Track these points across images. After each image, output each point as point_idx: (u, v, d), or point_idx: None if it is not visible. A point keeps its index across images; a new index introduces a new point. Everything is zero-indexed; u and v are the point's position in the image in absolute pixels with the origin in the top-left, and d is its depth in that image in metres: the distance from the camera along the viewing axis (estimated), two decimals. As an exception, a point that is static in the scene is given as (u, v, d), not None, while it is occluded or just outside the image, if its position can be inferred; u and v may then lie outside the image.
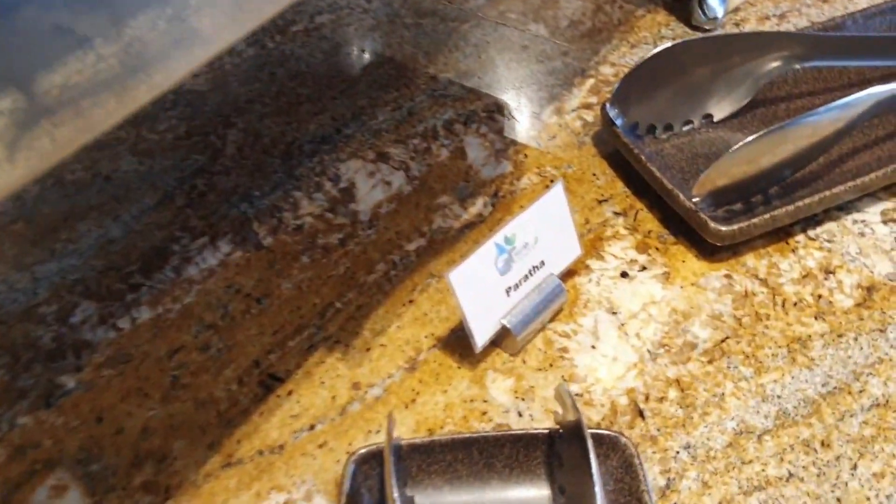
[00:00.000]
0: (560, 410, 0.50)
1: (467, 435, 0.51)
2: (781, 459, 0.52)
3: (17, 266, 0.67)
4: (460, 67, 0.81)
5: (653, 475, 0.51)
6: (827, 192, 0.62)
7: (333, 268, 0.65)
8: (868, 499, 0.50)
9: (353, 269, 0.65)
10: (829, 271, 0.62)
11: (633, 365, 0.57)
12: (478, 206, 0.69)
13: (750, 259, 0.63)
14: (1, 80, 0.27)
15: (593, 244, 0.65)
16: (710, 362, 0.57)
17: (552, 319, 0.61)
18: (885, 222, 0.65)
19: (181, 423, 0.57)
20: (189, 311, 0.63)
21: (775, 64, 0.69)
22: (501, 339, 0.59)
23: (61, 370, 0.60)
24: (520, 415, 0.55)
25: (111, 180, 0.74)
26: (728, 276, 0.62)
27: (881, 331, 0.58)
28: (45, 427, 0.57)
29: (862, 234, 0.64)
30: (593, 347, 0.59)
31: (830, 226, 0.65)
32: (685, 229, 0.65)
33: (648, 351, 0.58)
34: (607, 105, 0.69)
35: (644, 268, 0.64)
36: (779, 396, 0.55)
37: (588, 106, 0.77)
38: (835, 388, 0.55)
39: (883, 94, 0.63)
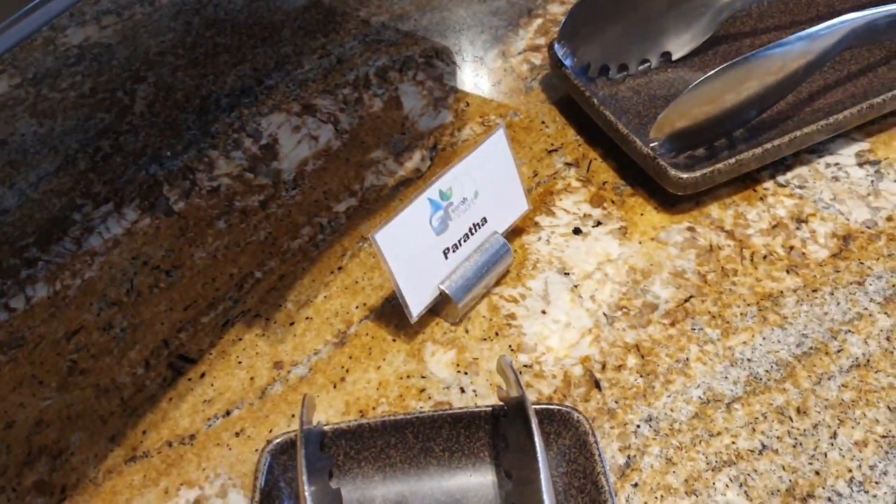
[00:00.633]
0: (504, 386, 0.44)
1: (401, 416, 0.45)
2: (753, 430, 0.46)
3: None
4: (394, 9, 0.74)
5: (611, 453, 0.46)
6: (797, 133, 0.56)
7: (253, 233, 0.58)
8: (850, 470, 0.44)
9: (276, 234, 0.58)
10: (801, 220, 0.56)
11: (587, 331, 0.51)
12: (415, 160, 0.62)
13: (714, 209, 0.57)
14: None
15: (543, 198, 0.59)
16: (672, 325, 0.51)
17: (497, 283, 0.54)
18: (860, 164, 0.59)
19: (80, 413, 0.50)
20: (90, 286, 0.56)
21: (738, -5, 0.63)
22: (441, 306, 0.52)
23: (-58, 359, 0.53)
24: (462, 391, 0.49)
25: (6, 144, 0.66)
26: (691, 229, 0.56)
27: (859, 283, 0.52)
28: (-79, 424, 0.50)
29: (836, 179, 0.59)
30: (544, 313, 0.53)
31: (801, 170, 0.59)
32: (643, 179, 0.59)
33: (604, 314, 0.52)
34: (555, 45, 0.62)
35: (599, 223, 0.57)
36: (749, 360, 0.49)
37: (536, 48, 0.70)
38: (810, 348, 0.49)
39: (857, 22, 0.57)
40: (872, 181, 0.58)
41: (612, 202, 0.59)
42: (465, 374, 0.50)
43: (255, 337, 0.53)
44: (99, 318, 0.54)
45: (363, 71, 0.69)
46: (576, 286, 0.54)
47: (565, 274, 0.55)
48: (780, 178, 0.59)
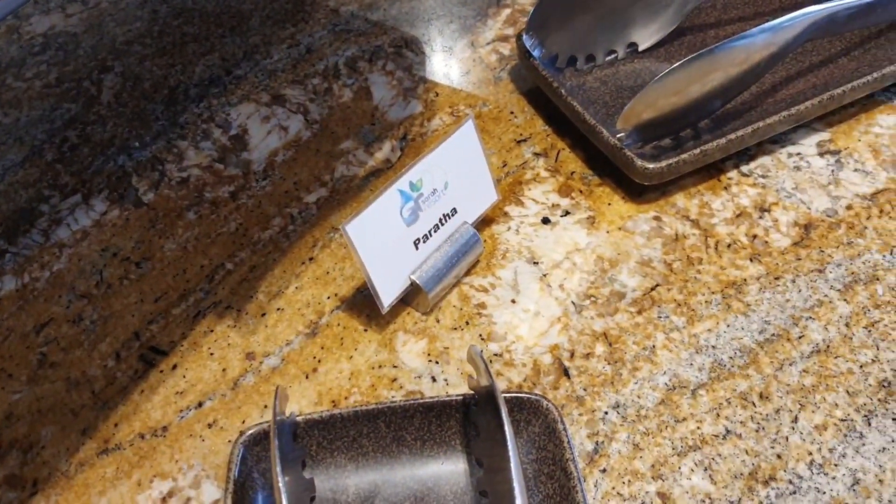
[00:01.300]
0: (474, 375, 0.45)
1: (373, 406, 0.45)
2: (717, 415, 0.47)
3: None
4: (364, -1, 0.74)
5: (579, 439, 0.47)
6: (760, 124, 0.57)
7: (223, 224, 0.58)
8: (810, 453, 0.46)
9: (246, 225, 0.58)
10: (763, 209, 0.58)
11: (556, 319, 0.52)
12: (385, 150, 0.63)
13: (680, 199, 0.58)
14: None
15: (511, 188, 0.60)
16: (639, 313, 0.52)
17: (467, 273, 0.55)
18: (821, 154, 0.61)
19: (50, 406, 0.50)
20: (59, 278, 0.56)
21: (703, -14, 0.64)
22: (412, 296, 0.53)
23: None
24: (434, 380, 0.50)
25: (-30, 135, 0.65)
26: (657, 219, 0.57)
27: (820, 271, 0.54)
28: None
29: (798, 168, 0.60)
30: (513, 302, 0.53)
31: (764, 160, 0.60)
32: (611, 169, 0.60)
33: (573, 303, 0.53)
34: (523, 35, 0.63)
35: (567, 212, 0.58)
36: (713, 347, 0.50)
37: (504, 38, 0.70)
38: (773, 335, 0.51)
39: (819, 15, 0.58)
40: (833, 170, 0.60)
41: (580, 192, 0.59)
42: (437, 363, 0.51)
43: (227, 328, 0.53)
44: (69, 311, 0.54)
45: (332, 61, 0.69)
46: (545, 275, 0.55)
47: (534, 263, 0.55)
48: (744, 168, 0.60)
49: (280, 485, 0.37)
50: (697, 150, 0.56)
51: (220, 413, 0.49)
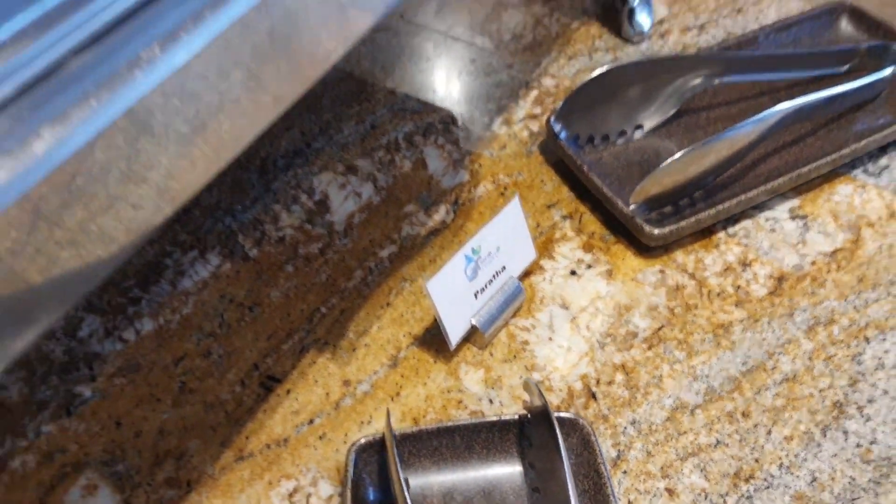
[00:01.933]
0: (528, 398, 0.59)
1: (449, 423, 0.60)
2: (710, 429, 0.62)
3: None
4: (416, 81, 0.89)
5: (606, 448, 0.61)
6: (743, 196, 0.73)
7: (316, 275, 0.73)
8: (780, 458, 0.60)
9: (334, 276, 0.73)
10: (746, 264, 0.73)
11: (584, 353, 0.67)
12: (441, 213, 0.77)
13: (680, 255, 0.73)
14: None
15: (545, 246, 0.75)
16: (649, 348, 0.67)
17: (514, 315, 0.70)
18: (791, 218, 0.76)
19: (194, 423, 0.64)
20: (188, 321, 0.70)
21: (697, 81, 0.79)
22: (472, 335, 0.68)
23: (76, 381, 0.67)
24: (490, 402, 0.64)
25: (98, 198, 0.79)
26: (662, 272, 0.72)
27: (789, 315, 0.69)
28: (69, 434, 0.64)
29: (773, 230, 0.75)
30: (550, 339, 0.68)
31: (747, 223, 0.76)
32: (624, 230, 0.75)
33: (597, 341, 0.68)
34: (552, 119, 0.78)
35: (590, 266, 0.73)
36: (707, 376, 0.65)
37: (533, 116, 0.85)
38: (752, 366, 0.66)
39: (788, 109, 0.73)
40: (801, 232, 0.75)
41: (600, 249, 0.74)
42: (493, 388, 0.65)
43: (326, 360, 0.67)
44: (199, 347, 0.69)
45: (393, 136, 0.84)
46: (574, 318, 0.70)
47: (565, 308, 0.70)
48: (730, 230, 0.75)
49: (402, 481, 0.52)
50: (693, 219, 0.71)
51: (327, 428, 0.64)
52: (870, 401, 0.63)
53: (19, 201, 0.29)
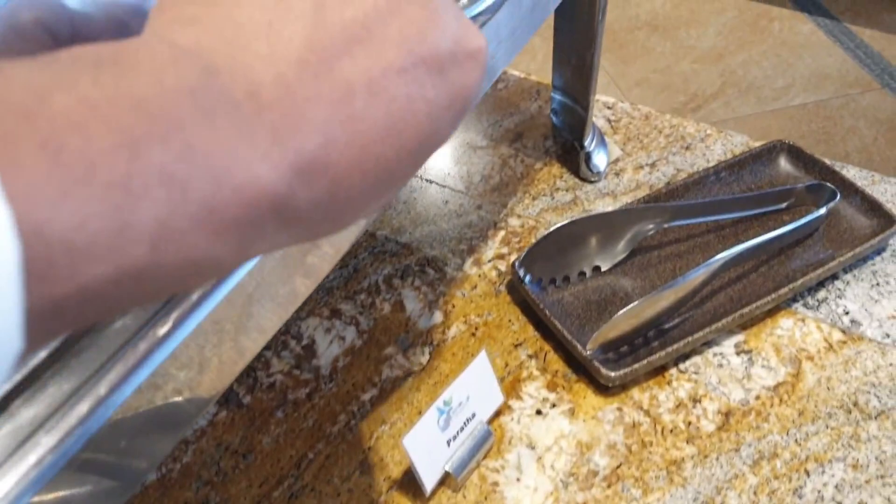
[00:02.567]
0: (496, 547, 0.66)
1: (426, 568, 0.66)
2: (664, 565, 0.68)
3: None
4: (393, 224, 0.97)
5: (569, 586, 0.67)
6: (691, 337, 0.80)
7: (304, 421, 0.80)
8: (728, 590, 0.67)
9: (320, 420, 0.80)
10: (696, 400, 0.79)
11: (549, 493, 0.73)
12: (417, 355, 0.84)
13: (636, 392, 0.80)
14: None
15: (513, 385, 0.81)
16: (608, 486, 0.74)
17: (484, 457, 0.76)
18: (737, 353, 0.83)
19: (192, 571, 0.70)
20: (188, 469, 0.77)
21: (649, 226, 0.87)
22: (445, 479, 0.74)
23: (85, 532, 0.73)
24: (464, 542, 0.71)
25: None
26: (619, 409, 0.79)
27: (736, 450, 0.75)
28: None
29: (720, 366, 0.82)
30: (518, 480, 0.75)
31: (696, 359, 0.83)
32: (584, 369, 0.81)
33: (561, 480, 0.74)
34: (516, 264, 0.85)
35: (554, 405, 0.80)
36: (661, 512, 0.72)
37: (501, 256, 0.93)
38: (703, 502, 0.72)
39: (729, 256, 0.81)
40: (746, 367, 0.82)
41: (563, 387, 0.81)
42: (466, 529, 0.72)
43: (314, 506, 0.74)
44: (198, 496, 0.75)
45: (374, 279, 0.91)
46: (540, 457, 0.76)
47: (532, 448, 0.77)
48: (682, 366, 0.82)
49: None
50: (646, 361, 0.78)
51: (315, 573, 0.70)
52: (807, 534, 0.70)
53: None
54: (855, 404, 0.78)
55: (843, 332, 0.84)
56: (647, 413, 0.79)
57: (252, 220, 0.25)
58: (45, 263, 0.20)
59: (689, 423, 0.78)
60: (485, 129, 1.08)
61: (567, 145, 1.02)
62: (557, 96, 0.99)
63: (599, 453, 0.76)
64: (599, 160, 0.98)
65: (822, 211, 0.88)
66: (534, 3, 0.68)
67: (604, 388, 0.81)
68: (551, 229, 0.84)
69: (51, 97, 0.21)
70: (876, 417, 0.77)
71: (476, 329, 0.86)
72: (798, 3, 2.36)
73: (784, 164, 0.97)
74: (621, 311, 0.78)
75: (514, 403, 0.80)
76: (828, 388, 0.80)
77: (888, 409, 0.78)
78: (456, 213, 0.98)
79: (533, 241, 0.93)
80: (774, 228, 0.85)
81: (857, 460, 0.74)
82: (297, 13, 0.26)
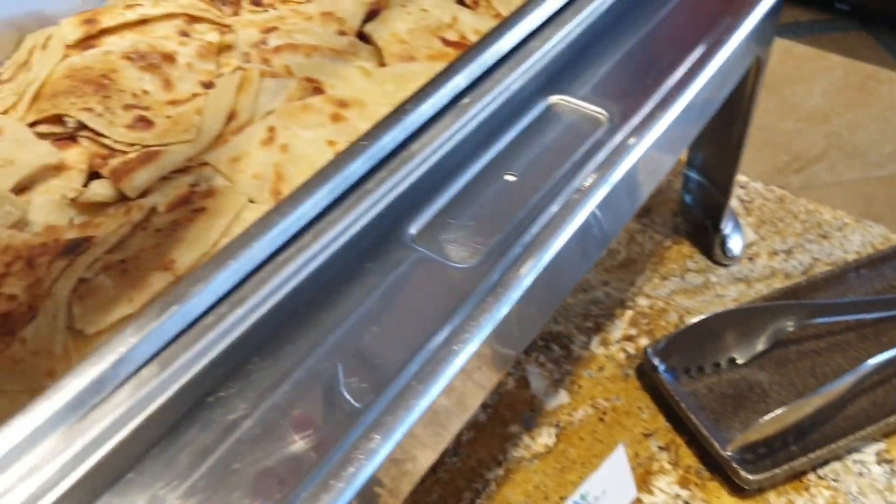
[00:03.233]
0: None
1: None
2: None
3: None
4: (519, 294, 0.96)
5: None
6: (834, 444, 0.77)
7: (428, 495, 0.79)
8: None
9: (444, 496, 0.79)
10: (836, 510, 0.77)
11: None
12: (543, 436, 0.83)
13: (772, 496, 0.78)
14: None
15: (643, 479, 0.79)
16: None
17: (615, 554, 0.74)
18: (878, 462, 0.80)
19: None
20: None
21: (789, 323, 0.84)
22: (576, 575, 0.72)
23: None
24: None
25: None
26: (755, 514, 0.77)
27: (880, 570, 0.72)
28: None
29: (861, 475, 0.79)
30: (650, 581, 0.73)
31: (836, 465, 0.80)
32: (720, 467, 0.79)
33: (695, 587, 0.72)
34: (649, 351, 0.84)
35: (687, 503, 0.78)
36: None
37: (630, 338, 0.91)
38: None
39: (879, 363, 0.78)
40: (888, 477, 0.78)
41: (696, 485, 0.79)
42: None
43: (440, 590, 0.73)
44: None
45: (498, 352, 0.90)
46: (672, 559, 0.74)
47: (663, 547, 0.75)
48: (820, 472, 0.79)
49: None
50: (788, 467, 0.76)
51: None
52: None
53: None
54: None
55: None
56: (784, 521, 0.76)
57: None
58: None
59: (830, 536, 0.75)
60: (608, 198, 1.07)
61: (698, 223, 1.00)
62: (693, 174, 0.97)
63: (734, 560, 0.74)
64: (735, 244, 0.96)
65: (973, 316, 0.85)
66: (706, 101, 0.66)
67: (739, 489, 0.78)
68: (691, 323, 0.82)
69: None
70: None
71: (604, 414, 0.84)
72: (907, 66, 2.29)
73: (929, 261, 0.93)
74: (767, 417, 0.75)
75: (644, 497, 0.78)
76: (977, 512, 0.76)
77: None
78: (581, 288, 0.96)
79: (662, 323, 0.92)
80: (920, 331, 0.82)
81: None
82: None
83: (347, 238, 0.47)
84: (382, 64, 0.67)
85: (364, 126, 0.62)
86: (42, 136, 0.60)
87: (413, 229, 0.51)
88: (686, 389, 0.84)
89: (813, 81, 2.53)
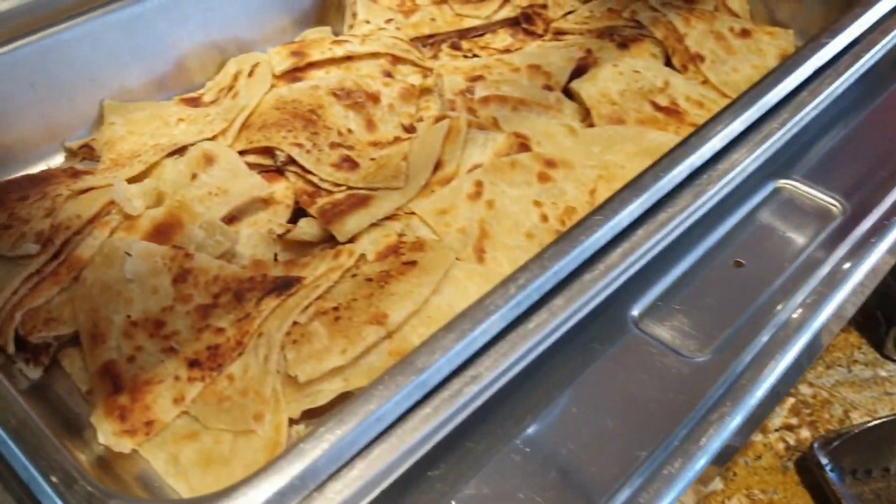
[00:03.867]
0: None
1: None
2: None
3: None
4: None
5: None
6: None
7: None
8: None
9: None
10: None
11: None
12: (694, 525, 0.79)
13: None
14: None
15: (800, 584, 0.75)
16: None
17: None
18: None
19: None
20: None
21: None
22: None
23: None
24: None
25: None
26: None
27: None
28: None
29: None
30: None
31: None
32: (886, 583, 0.74)
33: None
34: (816, 447, 0.79)
35: None
36: None
37: (790, 427, 0.86)
38: None
39: None
40: None
41: None
42: None
43: None
44: None
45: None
46: None
47: None
48: None
49: None
50: None
51: None
52: None
53: None
54: None
55: None
56: None
57: None
58: None
59: None
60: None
61: (869, 312, 0.94)
62: (869, 261, 0.92)
63: None
64: (909, 346, 0.90)
65: None
66: None
67: None
68: (868, 425, 0.77)
69: None
70: None
71: (759, 507, 0.80)
72: None
73: None
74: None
75: None
76: None
77: None
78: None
79: (826, 416, 0.87)
80: None
81: None
82: None
83: (578, 318, 0.45)
84: (588, 122, 0.65)
85: (570, 188, 0.60)
86: (250, 165, 0.60)
87: (635, 311, 0.49)
88: (852, 492, 0.79)
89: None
